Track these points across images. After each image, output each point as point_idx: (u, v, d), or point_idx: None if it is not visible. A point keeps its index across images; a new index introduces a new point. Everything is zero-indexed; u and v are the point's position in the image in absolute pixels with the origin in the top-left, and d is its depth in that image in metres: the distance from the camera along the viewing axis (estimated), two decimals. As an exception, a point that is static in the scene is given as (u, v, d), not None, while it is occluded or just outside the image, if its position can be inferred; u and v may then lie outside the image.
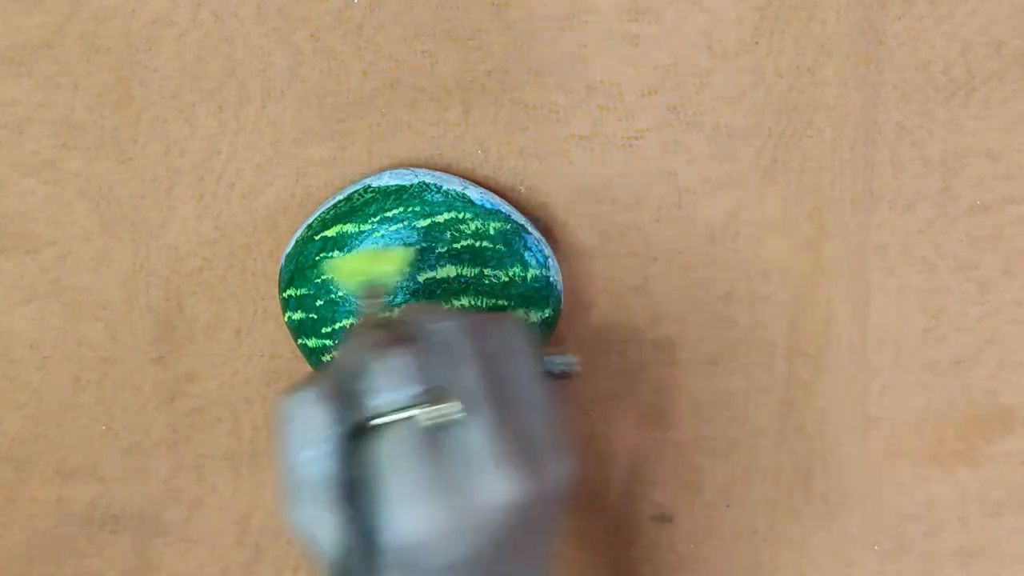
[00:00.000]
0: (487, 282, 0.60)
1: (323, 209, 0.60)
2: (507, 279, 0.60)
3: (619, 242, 0.63)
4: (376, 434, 0.48)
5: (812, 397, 0.65)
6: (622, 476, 0.65)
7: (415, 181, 0.60)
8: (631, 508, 0.65)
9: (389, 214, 0.59)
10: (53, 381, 0.64)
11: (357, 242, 0.59)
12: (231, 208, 0.62)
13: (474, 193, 0.60)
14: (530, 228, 0.61)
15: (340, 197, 0.60)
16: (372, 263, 0.56)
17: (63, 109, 0.61)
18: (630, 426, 0.65)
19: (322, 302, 0.60)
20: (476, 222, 0.60)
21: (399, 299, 0.60)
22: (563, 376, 0.54)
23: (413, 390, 0.48)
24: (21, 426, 0.64)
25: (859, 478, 0.65)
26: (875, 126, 0.62)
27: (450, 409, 0.48)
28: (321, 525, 0.48)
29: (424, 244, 0.60)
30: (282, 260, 0.61)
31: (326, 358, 0.61)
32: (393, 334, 0.50)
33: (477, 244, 0.60)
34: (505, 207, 0.60)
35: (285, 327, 0.62)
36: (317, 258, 0.60)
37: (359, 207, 0.60)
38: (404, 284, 0.60)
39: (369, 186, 0.60)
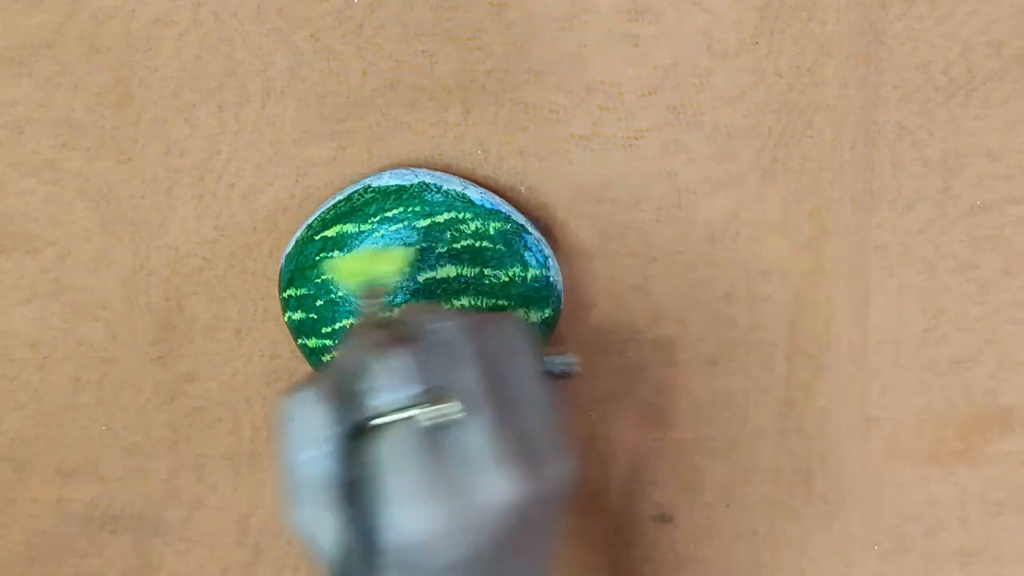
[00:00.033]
0: (487, 282, 0.60)
1: (323, 209, 0.60)
2: (507, 279, 0.60)
3: (619, 242, 0.63)
4: (376, 434, 0.48)
5: (812, 397, 0.65)
6: (622, 476, 0.65)
7: (415, 181, 0.60)
8: (631, 508, 0.65)
9: (389, 214, 0.59)
10: (53, 381, 0.64)
11: (357, 242, 0.59)
12: (231, 208, 0.62)
13: (474, 193, 0.60)
14: (530, 228, 0.61)
15: (340, 197, 0.60)
16: (372, 263, 0.56)
17: (63, 109, 0.61)
18: (630, 426, 0.65)
19: (322, 302, 0.60)
20: (476, 222, 0.60)
21: (399, 299, 0.60)
22: (563, 376, 0.54)
23: (413, 390, 0.48)
24: (21, 426, 0.64)
25: (859, 478, 0.65)
26: (875, 126, 0.62)
27: (450, 409, 0.48)
28: (321, 525, 0.48)
29: (424, 244, 0.60)
30: (282, 260, 0.61)
31: (326, 358, 0.61)
32: (393, 334, 0.50)
33: (477, 244, 0.60)
34: (505, 207, 0.60)
35: (285, 327, 0.62)
36: (317, 258, 0.60)
37: (359, 207, 0.60)
38: (404, 284, 0.60)
39: (369, 186, 0.60)
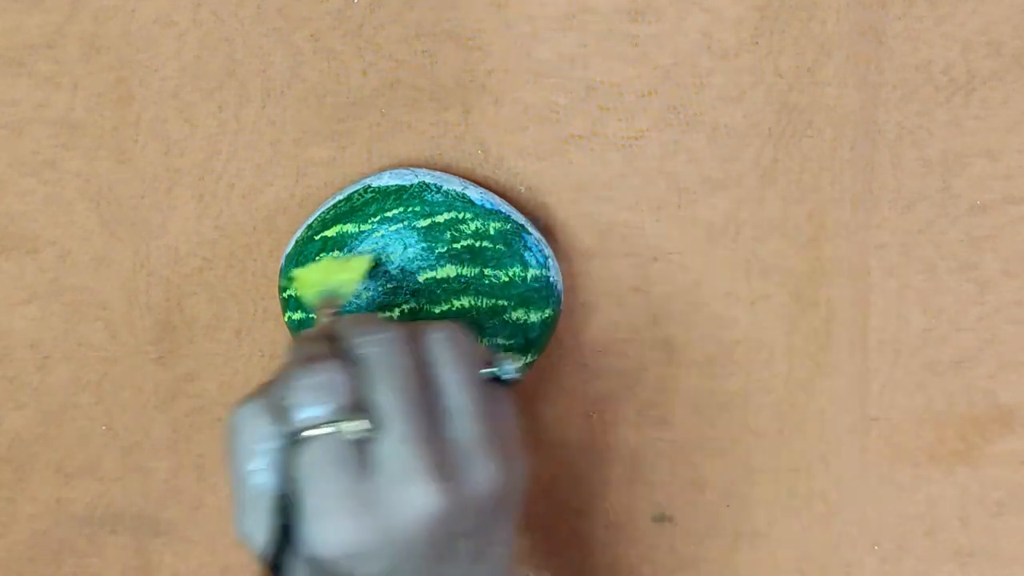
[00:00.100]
0: (487, 282, 0.60)
1: (323, 209, 0.60)
2: (507, 279, 0.60)
3: (619, 242, 0.63)
4: (300, 448, 0.49)
5: (812, 397, 0.65)
6: (622, 476, 0.65)
7: (415, 181, 0.60)
8: (631, 508, 0.65)
9: (389, 214, 0.59)
10: (53, 381, 0.64)
11: (357, 242, 0.59)
12: (231, 208, 0.62)
13: (474, 193, 0.60)
14: (530, 228, 0.61)
15: (340, 197, 0.60)
16: (331, 273, 0.57)
17: (63, 109, 0.61)
18: (630, 426, 0.65)
19: (322, 302, 0.60)
20: (476, 222, 0.60)
21: (400, 299, 0.60)
22: (513, 382, 0.54)
23: (331, 406, 0.49)
24: (21, 426, 0.64)
25: (859, 478, 0.65)
26: (875, 126, 0.62)
27: (358, 426, 0.49)
28: (258, 535, 0.50)
29: (424, 244, 0.60)
30: (282, 260, 0.61)
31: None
32: (325, 348, 0.51)
33: (477, 244, 0.60)
34: (505, 207, 0.60)
35: (285, 327, 0.62)
36: (317, 258, 0.60)
37: (359, 207, 0.60)
38: (404, 284, 0.60)
39: (369, 186, 0.60)
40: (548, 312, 0.61)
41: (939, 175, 0.63)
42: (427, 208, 0.60)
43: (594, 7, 0.61)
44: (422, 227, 0.60)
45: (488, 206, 0.60)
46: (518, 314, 0.60)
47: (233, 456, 0.50)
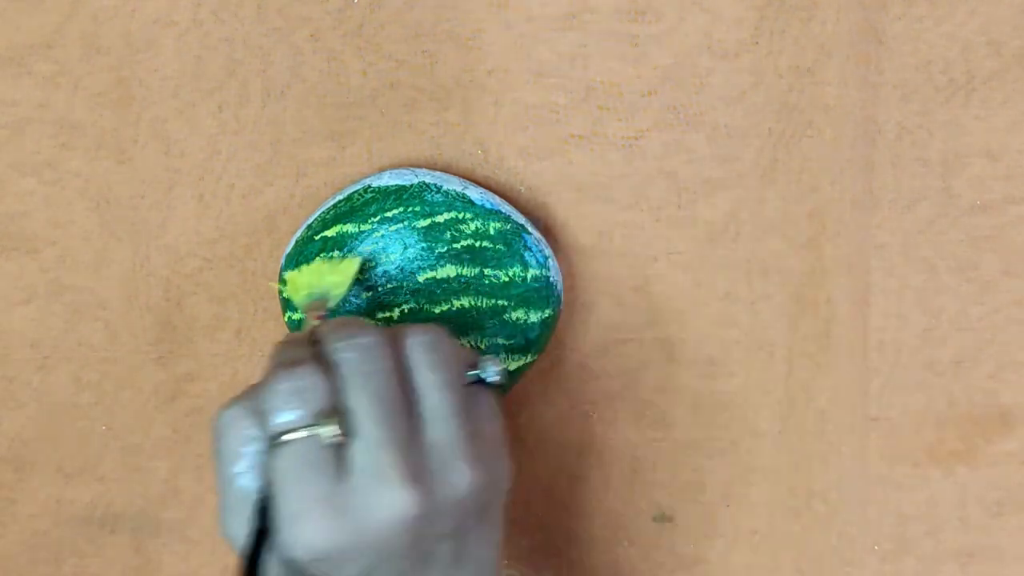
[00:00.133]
0: (487, 282, 0.60)
1: (323, 209, 0.60)
2: (507, 279, 0.60)
3: (619, 242, 0.63)
4: (277, 452, 0.49)
5: (812, 397, 0.65)
6: (622, 476, 0.65)
7: (415, 181, 0.60)
8: (631, 508, 0.65)
9: (389, 214, 0.59)
10: (53, 381, 0.64)
11: (357, 242, 0.59)
12: (231, 208, 0.62)
13: (474, 193, 0.60)
14: (530, 228, 0.61)
15: (340, 197, 0.60)
16: (321, 275, 0.57)
17: (63, 109, 0.61)
18: (630, 426, 0.65)
19: (322, 302, 0.60)
20: (476, 222, 0.60)
21: (400, 299, 0.60)
22: (497, 385, 0.54)
23: (307, 411, 0.49)
24: (21, 426, 0.64)
25: (859, 478, 0.65)
26: (875, 126, 0.62)
27: (329, 431, 0.49)
28: (241, 536, 0.50)
29: (424, 244, 0.60)
30: (282, 260, 0.61)
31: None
32: (306, 352, 0.51)
33: (477, 244, 0.60)
34: (505, 207, 0.60)
35: (285, 327, 0.62)
36: (317, 258, 0.60)
37: (359, 207, 0.60)
38: (404, 284, 0.60)
39: (369, 186, 0.60)
40: (548, 312, 0.61)
41: (939, 175, 0.63)
42: (427, 208, 0.60)
43: (594, 7, 0.61)
44: (422, 227, 0.60)
45: (488, 206, 0.60)
46: (518, 314, 0.60)
47: (218, 458, 0.51)
